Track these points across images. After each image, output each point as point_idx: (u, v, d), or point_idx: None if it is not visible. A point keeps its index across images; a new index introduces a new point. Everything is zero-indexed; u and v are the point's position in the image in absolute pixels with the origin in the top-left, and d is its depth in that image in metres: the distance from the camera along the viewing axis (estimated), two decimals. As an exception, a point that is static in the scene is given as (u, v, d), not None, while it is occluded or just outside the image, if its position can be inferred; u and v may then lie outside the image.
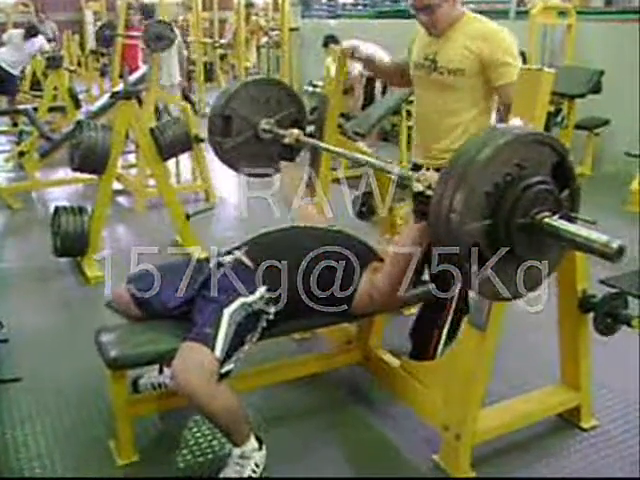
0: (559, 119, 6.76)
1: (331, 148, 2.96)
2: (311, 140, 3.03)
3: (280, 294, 2.39)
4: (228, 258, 2.49)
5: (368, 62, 3.05)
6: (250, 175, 3.27)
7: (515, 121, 2.18)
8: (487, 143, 1.71)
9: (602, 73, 6.62)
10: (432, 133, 2.76)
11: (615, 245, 1.63)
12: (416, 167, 2.85)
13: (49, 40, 10.24)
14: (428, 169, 2.71)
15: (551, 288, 2.56)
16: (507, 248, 1.75)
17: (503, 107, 2.58)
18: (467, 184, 1.66)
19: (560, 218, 1.75)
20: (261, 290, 2.35)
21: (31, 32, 8.77)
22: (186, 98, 7.65)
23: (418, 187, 2.12)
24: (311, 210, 2.90)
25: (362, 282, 2.46)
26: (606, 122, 6.94)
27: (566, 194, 1.86)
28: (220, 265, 2.48)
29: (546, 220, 1.73)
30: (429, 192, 2.05)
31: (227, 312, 2.25)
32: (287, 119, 3.16)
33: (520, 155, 1.74)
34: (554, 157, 1.81)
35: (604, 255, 1.65)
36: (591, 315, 2.52)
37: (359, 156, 2.78)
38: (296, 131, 2.97)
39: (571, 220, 1.78)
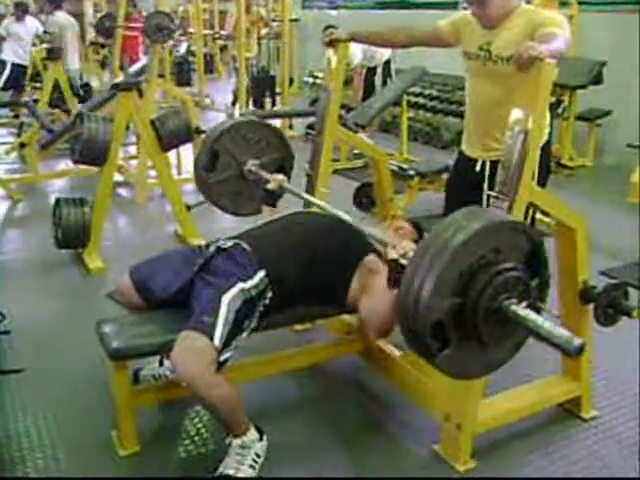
0: (560, 110, 6.76)
1: (315, 201, 2.84)
2: (294, 189, 2.96)
3: (278, 280, 2.40)
4: (228, 243, 2.49)
5: (356, 37, 3.13)
6: (231, 213, 3.25)
7: (517, 112, 2.19)
8: (466, 225, 1.70)
9: (604, 64, 6.60)
10: (486, 124, 2.77)
11: (576, 343, 1.63)
12: (467, 160, 2.88)
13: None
14: (482, 166, 2.73)
15: (552, 279, 2.57)
16: (472, 329, 1.74)
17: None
18: (441, 262, 1.65)
19: (527, 307, 1.75)
20: (260, 274, 2.36)
21: (21, 8, 8.65)
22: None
23: (392, 255, 2.09)
24: None
25: (355, 279, 2.47)
26: (608, 113, 6.93)
27: (536, 282, 1.86)
28: (220, 249, 2.48)
29: (512, 307, 1.73)
30: (403, 261, 2.03)
31: (225, 299, 2.25)
32: (274, 163, 3.16)
33: (497, 240, 1.74)
34: (529, 245, 1.82)
35: (564, 351, 1.66)
36: (592, 306, 2.52)
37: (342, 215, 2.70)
38: (280, 176, 2.95)
39: (537, 310, 1.77)
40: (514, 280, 1.75)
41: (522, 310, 1.72)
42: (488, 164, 2.76)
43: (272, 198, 2.96)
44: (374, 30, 3.17)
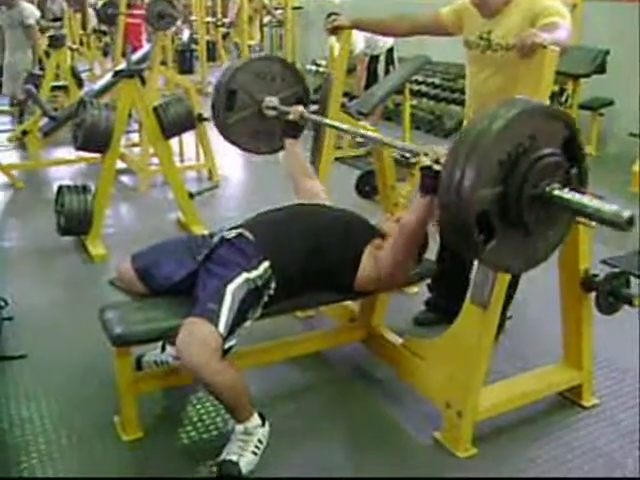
0: (563, 99, 6.73)
1: (335, 124, 2.96)
2: (315, 116, 3.02)
3: (282, 270, 2.40)
4: (232, 233, 2.50)
5: (357, 24, 3.13)
6: (252, 152, 3.26)
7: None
8: (501, 114, 1.71)
9: (607, 53, 6.58)
10: (481, 109, 2.75)
11: (625, 215, 1.64)
12: None
13: (55, 19, 10.08)
14: None
15: (554, 268, 2.58)
16: (516, 218, 1.75)
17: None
18: (480, 151, 1.65)
19: (571, 191, 1.76)
20: (265, 265, 2.36)
21: None
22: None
23: (425, 161, 2.11)
24: (315, 188, 2.90)
25: (364, 259, 2.47)
26: (610, 102, 6.91)
27: (575, 171, 1.86)
28: (224, 240, 2.48)
29: (557, 192, 1.74)
30: (436, 167, 2.04)
31: (230, 288, 2.26)
32: (291, 98, 3.16)
33: (533, 127, 1.74)
34: (566, 132, 1.81)
35: (614, 224, 1.66)
36: (593, 294, 2.53)
37: (363, 132, 2.78)
38: (300, 107, 2.96)
39: (580, 194, 1.78)
40: (555, 165, 1.76)
41: (566, 193, 1.73)
42: None
43: (294, 130, 3.00)
44: (376, 18, 3.18)
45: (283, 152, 3.06)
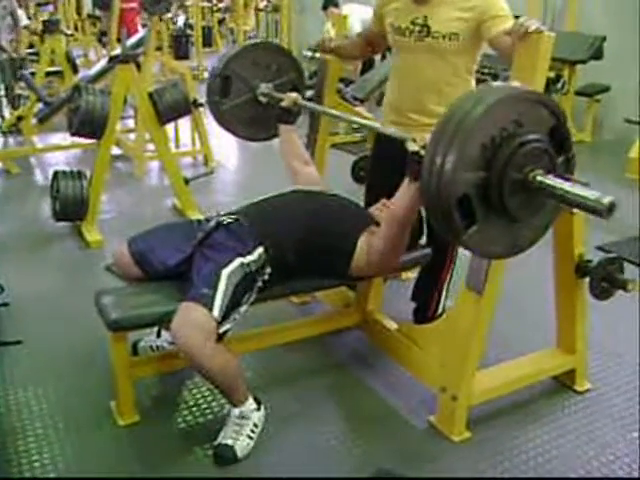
0: (559, 85, 6.72)
1: (329, 111, 2.96)
2: (309, 104, 3.01)
3: (277, 255, 2.41)
4: (228, 218, 2.50)
5: (338, 51, 3.10)
6: (247, 139, 3.26)
7: (514, 84, 2.18)
8: (485, 97, 1.69)
9: (604, 39, 6.57)
10: (423, 100, 2.72)
11: (606, 201, 1.63)
12: (395, 139, 2.82)
13: (40, 4, 10.02)
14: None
15: (547, 253, 2.59)
16: (498, 203, 1.74)
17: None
18: (463, 134, 1.64)
19: (555, 177, 1.75)
20: (259, 250, 2.37)
21: None
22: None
23: (413, 147, 2.10)
24: (312, 175, 2.90)
25: (359, 244, 2.47)
26: (607, 89, 6.91)
27: (562, 160, 1.85)
28: (219, 224, 2.49)
29: (539, 177, 1.72)
30: (423, 152, 2.03)
31: (225, 273, 2.27)
32: (286, 85, 3.15)
33: (518, 112, 1.72)
34: (552, 120, 1.80)
35: (595, 211, 1.65)
36: (587, 280, 2.54)
37: (356, 119, 2.77)
38: (294, 94, 2.95)
39: (565, 180, 1.77)
40: (539, 151, 1.74)
41: (549, 179, 1.72)
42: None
43: (288, 116, 2.99)
44: (350, 47, 3.13)
45: (279, 139, 3.06)
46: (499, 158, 1.70)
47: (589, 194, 1.66)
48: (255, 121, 3.16)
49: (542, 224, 1.90)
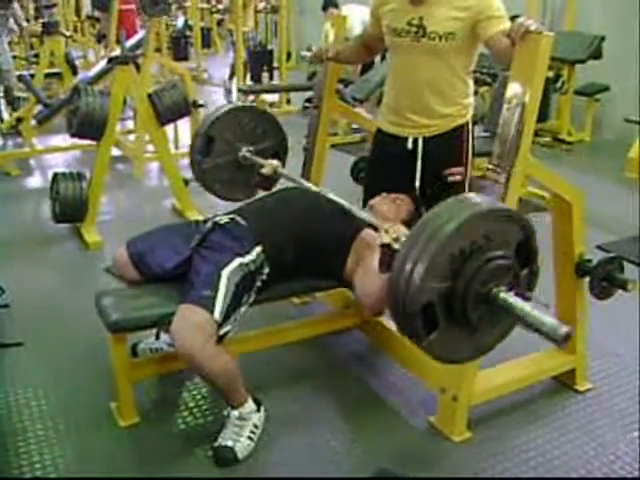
0: (559, 85, 6.73)
1: (310, 186, 2.79)
2: (289, 175, 2.93)
3: (274, 254, 2.42)
4: (224, 218, 2.50)
5: (337, 57, 3.07)
6: (223, 198, 3.23)
7: (514, 86, 2.19)
8: (460, 212, 1.71)
9: (603, 39, 6.57)
10: (420, 101, 2.72)
11: (562, 331, 1.63)
12: (393, 138, 2.84)
13: (47, 7, 10.01)
14: (414, 144, 2.72)
15: (547, 252, 2.59)
16: (460, 313, 1.76)
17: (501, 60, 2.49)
18: (435, 245, 1.66)
19: (516, 295, 1.75)
20: (257, 250, 2.38)
21: None
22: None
23: (385, 239, 2.09)
24: None
25: (352, 253, 2.48)
26: (606, 88, 6.91)
27: (526, 272, 1.86)
28: (216, 225, 2.49)
29: (502, 295, 1.74)
30: (395, 245, 2.03)
31: (225, 273, 2.27)
32: (268, 150, 3.13)
33: (489, 227, 1.75)
34: (521, 235, 1.82)
35: (550, 338, 1.66)
36: (587, 279, 2.54)
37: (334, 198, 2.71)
38: (275, 162, 2.93)
39: (526, 299, 1.77)
40: (504, 268, 1.76)
41: (510, 297, 1.73)
42: (421, 141, 2.75)
43: (267, 183, 2.96)
44: (349, 51, 3.10)
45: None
46: (466, 272, 1.72)
47: (547, 321, 1.66)
48: (233, 183, 3.14)
49: (503, 331, 1.92)
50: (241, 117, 3.11)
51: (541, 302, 1.80)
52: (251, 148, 3.09)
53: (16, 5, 7.36)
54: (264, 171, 2.92)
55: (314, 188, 2.67)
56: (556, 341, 1.65)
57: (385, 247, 2.08)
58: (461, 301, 1.74)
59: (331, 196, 2.51)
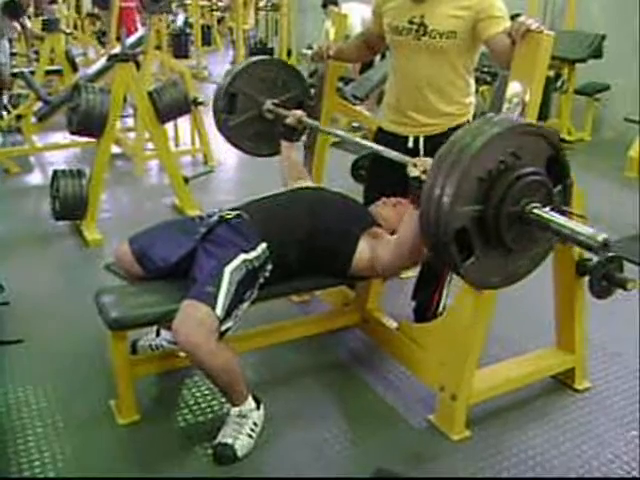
0: (559, 84, 6.73)
1: (333, 131, 3.00)
2: (313, 122, 3.01)
3: (279, 251, 2.42)
4: (231, 214, 2.50)
5: (339, 55, 3.08)
6: (253, 154, 3.25)
7: (514, 85, 2.19)
8: (483, 130, 1.70)
9: (603, 38, 6.57)
10: (421, 99, 2.71)
11: (600, 238, 1.63)
12: (394, 137, 2.82)
13: (51, 2, 10.02)
14: (415, 143, 2.72)
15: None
16: (495, 236, 1.75)
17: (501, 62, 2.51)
18: (460, 169, 1.65)
19: (551, 210, 1.75)
20: (262, 246, 2.38)
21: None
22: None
23: (414, 172, 2.10)
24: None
25: (360, 245, 2.48)
26: (606, 87, 6.91)
27: (559, 189, 1.85)
28: (222, 220, 2.49)
29: (535, 211, 1.73)
30: (424, 177, 2.03)
31: (228, 270, 2.27)
32: (292, 101, 3.15)
33: (516, 145, 1.73)
34: (550, 151, 1.80)
35: (589, 247, 1.66)
36: (587, 278, 2.54)
37: (359, 140, 2.76)
38: (299, 112, 2.95)
39: (561, 213, 1.77)
40: (536, 184, 1.75)
41: (545, 213, 1.72)
42: (422, 140, 2.74)
43: (291, 133, 3.00)
44: (349, 50, 3.11)
45: (279, 156, 3.06)
46: (496, 192, 1.71)
47: (584, 230, 1.66)
48: (260, 137, 3.19)
49: (539, 253, 1.91)
50: (260, 70, 3.13)
51: (578, 215, 1.79)
52: (275, 100, 3.11)
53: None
54: (288, 121, 2.96)
55: (336, 132, 2.83)
56: (596, 249, 1.64)
57: (415, 180, 2.08)
58: (494, 223, 1.72)
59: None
